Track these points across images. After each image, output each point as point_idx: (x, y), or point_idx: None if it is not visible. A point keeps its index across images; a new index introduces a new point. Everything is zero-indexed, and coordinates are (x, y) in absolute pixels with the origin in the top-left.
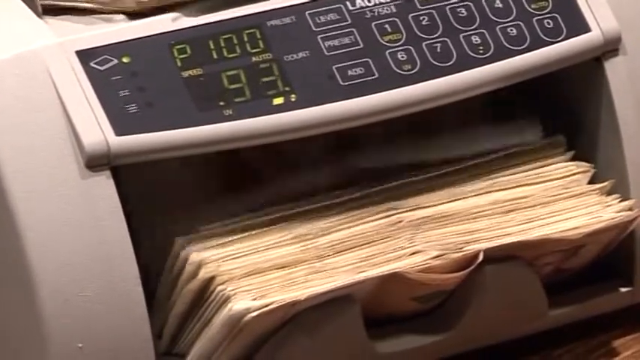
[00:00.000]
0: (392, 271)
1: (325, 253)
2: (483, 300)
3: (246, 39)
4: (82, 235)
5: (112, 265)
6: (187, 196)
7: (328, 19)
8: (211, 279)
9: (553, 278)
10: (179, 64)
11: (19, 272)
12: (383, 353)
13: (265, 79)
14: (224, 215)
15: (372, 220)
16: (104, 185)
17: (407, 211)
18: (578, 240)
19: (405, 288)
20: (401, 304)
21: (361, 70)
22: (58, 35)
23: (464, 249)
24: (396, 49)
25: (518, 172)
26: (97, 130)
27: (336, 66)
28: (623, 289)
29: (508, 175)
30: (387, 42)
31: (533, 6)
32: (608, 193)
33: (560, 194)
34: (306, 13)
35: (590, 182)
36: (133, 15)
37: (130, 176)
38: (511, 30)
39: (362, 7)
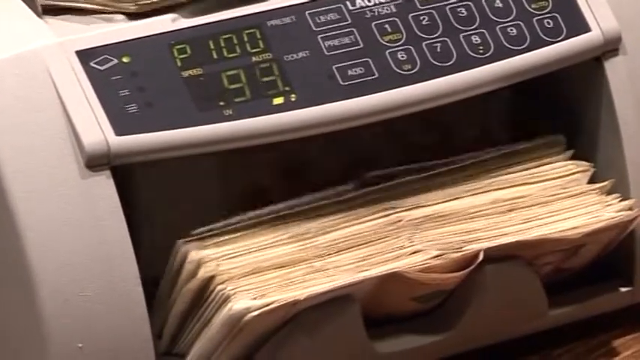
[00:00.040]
0: (391, 271)
1: (325, 253)
2: (483, 300)
3: (246, 39)
4: (82, 235)
5: (112, 265)
6: (187, 195)
7: (328, 18)
8: (211, 278)
9: (553, 278)
10: (179, 64)
11: (19, 272)
12: (383, 353)
13: (265, 79)
14: (224, 214)
15: (372, 220)
16: (104, 185)
17: (406, 211)
18: (577, 240)
19: (405, 288)
20: (401, 304)
21: (361, 69)
22: (58, 35)
23: (463, 248)
24: (396, 48)
25: (517, 172)
26: (96, 129)
27: (336, 66)
28: (623, 289)
29: (507, 175)
30: (387, 42)
31: (533, 6)
32: (608, 193)
33: (559, 193)
34: (306, 12)
35: (590, 182)
36: (133, 15)
37: (130, 175)
38: (511, 30)
39: (362, 7)
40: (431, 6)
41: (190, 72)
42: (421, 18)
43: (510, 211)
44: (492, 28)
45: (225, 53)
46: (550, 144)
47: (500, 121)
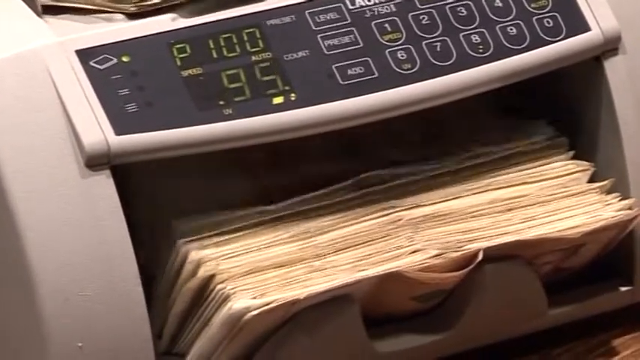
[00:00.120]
0: (391, 270)
1: (325, 252)
2: (483, 299)
3: (245, 38)
4: (82, 235)
5: (112, 265)
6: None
7: (328, 18)
8: (211, 277)
9: (553, 277)
10: (179, 63)
11: (19, 272)
12: (382, 352)
13: (265, 79)
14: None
15: (372, 219)
16: (104, 185)
17: (406, 210)
18: (577, 239)
19: (405, 287)
20: (400, 304)
21: (361, 69)
22: (57, 34)
23: (463, 248)
24: (396, 48)
25: (517, 171)
26: (96, 129)
27: (336, 65)
28: (623, 289)
29: (508, 174)
30: (386, 41)
31: (532, 5)
32: (608, 192)
33: (559, 193)
34: (306, 12)
35: (590, 181)
36: (133, 15)
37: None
38: (511, 29)
39: (362, 7)
40: (430, 5)
41: (190, 71)
42: (421, 17)
43: (510, 210)
44: (492, 28)
45: (224, 52)
46: (553, 145)
47: (500, 120)
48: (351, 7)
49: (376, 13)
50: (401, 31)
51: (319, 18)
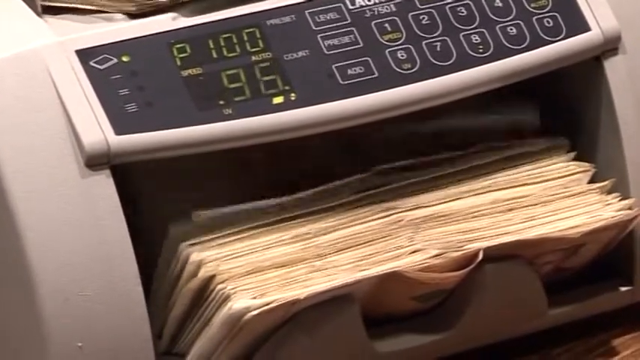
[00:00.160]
0: (391, 270)
1: (325, 252)
2: (483, 299)
3: (245, 38)
4: (82, 235)
5: (112, 264)
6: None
7: (328, 18)
8: (211, 278)
9: (553, 277)
10: (179, 63)
11: (19, 272)
12: (382, 352)
13: (265, 78)
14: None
15: (372, 220)
16: (104, 184)
17: (407, 211)
18: (577, 239)
19: (405, 287)
20: (400, 304)
21: (361, 69)
22: (57, 34)
23: (463, 248)
24: (396, 48)
25: (518, 172)
26: (96, 129)
27: (336, 65)
28: (623, 288)
29: (508, 175)
30: (386, 41)
31: (532, 5)
32: (609, 192)
33: (560, 193)
34: (306, 12)
35: (590, 182)
36: (133, 15)
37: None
38: (511, 29)
39: (361, 6)
40: (430, 5)
41: (190, 71)
42: (421, 17)
43: (510, 210)
44: (492, 28)
45: (224, 52)
46: (554, 146)
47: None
48: (351, 6)
49: (376, 12)
50: (401, 30)
51: (319, 18)
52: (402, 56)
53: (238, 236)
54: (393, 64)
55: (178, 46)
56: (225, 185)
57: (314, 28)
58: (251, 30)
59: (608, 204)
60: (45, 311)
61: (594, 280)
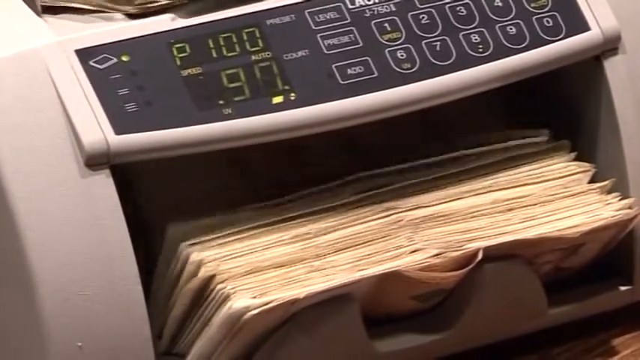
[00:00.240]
0: (391, 270)
1: (325, 252)
2: (483, 298)
3: (245, 38)
4: (81, 235)
5: (112, 264)
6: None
7: (327, 17)
8: (211, 278)
9: (553, 277)
10: (178, 62)
11: (19, 272)
12: (382, 352)
13: (265, 78)
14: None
15: (372, 220)
16: (104, 184)
17: (407, 211)
18: (577, 238)
19: (405, 287)
20: (400, 303)
21: (361, 68)
22: (57, 34)
23: (463, 247)
24: (396, 47)
25: (519, 173)
26: (96, 129)
27: (336, 65)
28: (623, 288)
29: (509, 175)
30: (386, 41)
31: (532, 4)
32: (609, 192)
33: (560, 193)
34: (306, 11)
35: (590, 181)
36: (132, 15)
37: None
38: (510, 29)
39: (361, 6)
40: (430, 5)
41: (190, 71)
42: (420, 17)
43: (510, 210)
44: (492, 27)
45: (224, 52)
46: (555, 147)
47: (499, 120)
48: (350, 6)
49: (376, 12)
50: (400, 30)
51: (319, 17)
52: (402, 56)
53: (238, 236)
54: (392, 64)
55: (178, 45)
56: (225, 185)
57: (314, 27)
58: (251, 30)
59: (608, 203)
60: (45, 311)
61: (594, 280)
